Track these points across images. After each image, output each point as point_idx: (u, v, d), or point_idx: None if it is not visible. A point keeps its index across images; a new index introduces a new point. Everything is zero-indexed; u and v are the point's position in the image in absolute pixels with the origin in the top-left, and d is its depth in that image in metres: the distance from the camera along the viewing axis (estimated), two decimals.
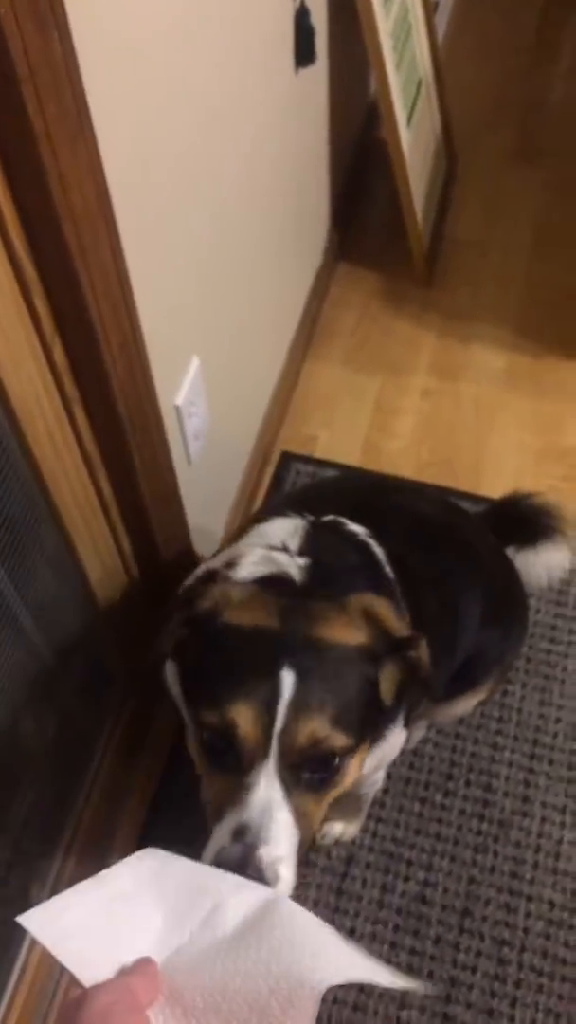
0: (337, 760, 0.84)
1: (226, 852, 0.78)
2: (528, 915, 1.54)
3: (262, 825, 0.78)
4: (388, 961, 1.47)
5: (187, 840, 0.81)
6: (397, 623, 0.91)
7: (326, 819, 0.86)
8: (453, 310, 2.35)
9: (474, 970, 1.50)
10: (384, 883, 1.57)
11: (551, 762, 1.69)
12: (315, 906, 1.55)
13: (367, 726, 0.87)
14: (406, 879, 1.58)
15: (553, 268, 2.44)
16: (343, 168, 2.31)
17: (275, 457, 2.06)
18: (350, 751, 0.85)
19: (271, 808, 0.79)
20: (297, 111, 1.77)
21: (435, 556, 1.33)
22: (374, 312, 2.35)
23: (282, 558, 1.00)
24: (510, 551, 1.65)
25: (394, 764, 1.66)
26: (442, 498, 1.70)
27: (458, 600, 1.39)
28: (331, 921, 1.51)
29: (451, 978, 1.49)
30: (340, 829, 1.58)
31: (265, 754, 0.80)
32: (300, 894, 1.54)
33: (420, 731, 1.69)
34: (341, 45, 1.95)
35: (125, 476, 1.20)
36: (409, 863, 1.59)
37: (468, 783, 1.67)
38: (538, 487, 1.82)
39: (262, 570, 0.98)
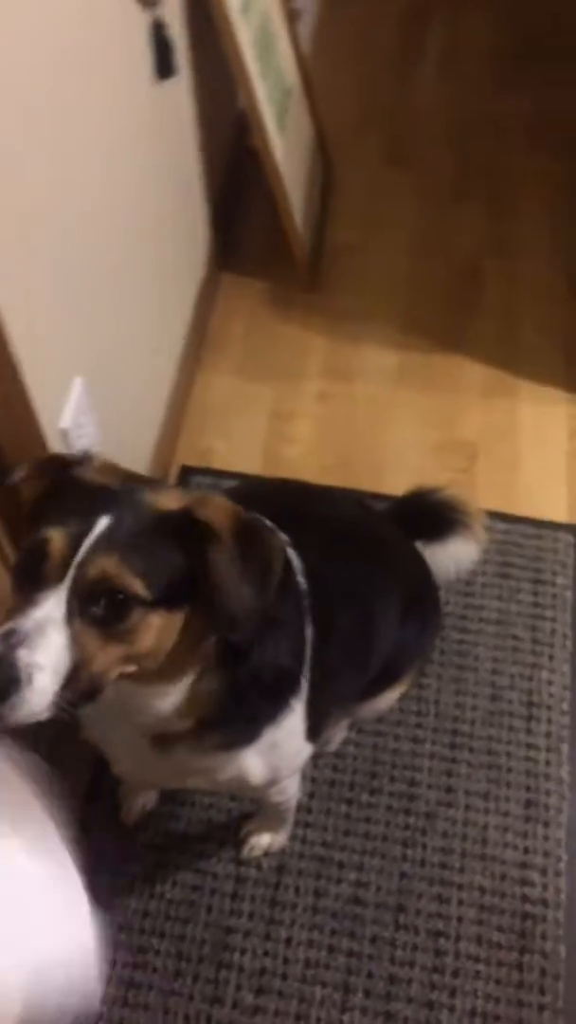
0: (133, 612, 0.85)
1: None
2: (460, 903, 1.56)
3: (31, 633, 0.82)
4: (327, 966, 1.48)
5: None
6: (224, 521, 0.90)
7: (111, 672, 0.88)
8: (340, 313, 2.37)
9: (412, 965, 1.51)
10: (317, 888, 1.57)
11: (471, 750, 1.71)
12: (250, 918, 1.53)
13: (176, 593, 0.88)
14: (338, 882, 1.57)
15: (432, 268, 2.49)
16: (219, 178, 2.31)
17: (174, 472, 2.04)
18: (144, 603, 0.86)
19: (46, 624, 0.82)
20: (162, 124, 1.76)
21: (352, 565, 1.33)
22: (262, 320, 2.35)
23: None
24: (417, 545, 1.67)
25: (317, 767, 1.66)
26: (358, 500, 1.71)
27: (373, 610, 1.39)
28: (266, 933, 1.51)
29: (390, 976, 1.49)
30: (268, 840, 1.57)
31: (60, 579, 0.84)
32: (233, 907, 1.53)
33: (341, 733, 1.69)
34: (204, 56, 1.95)
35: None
36: (340, 865, 1.59)
37: (392, 779, 1.68)
38: (439, 481, 1.85)
39: None
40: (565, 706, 1.77)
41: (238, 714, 1.07)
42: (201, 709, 1.02)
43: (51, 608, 0.83)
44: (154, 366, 1.93)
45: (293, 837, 1.60)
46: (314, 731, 1.22)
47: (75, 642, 0.83)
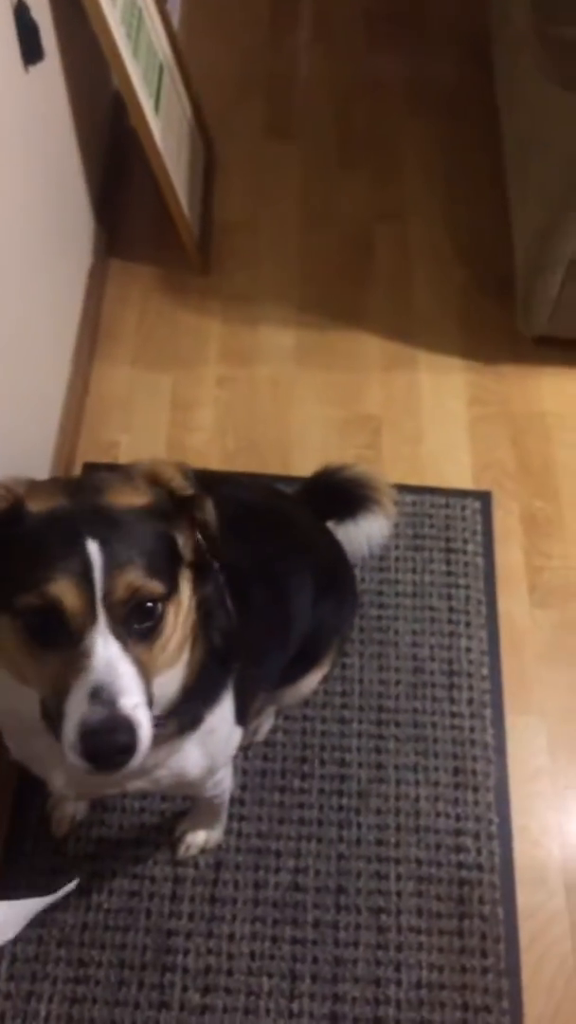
0: (158, 608, 0.87)
1: (89, 715, 0.80)
2: (399, 878, 1.58)
3: (113, 680, 0.81)
4: (272, 957, 1.48)
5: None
6: (181, 482, 0.94)
7: (156, 671, 0.90)
8: (234, 294, 2.33)
9: (356, 945, 1.52)
10: (256, 880, 1.56)
11: (397, 724, 1.73)
12: (191, 918, 1.52)
13: (175, 577, 0.91)
14: (277, 871, 1.57)
15: (323, 241, 2.47)
16: (98, 162, 2.23)
17: (77, 469, 1.98)
18: (165, 597, 0.88)
19: (115, 663, 0.82)
20: (35, 109, 1.68)
21: (260, 545, 1.32)
22: (155, 306, 2.29)
23: None
24: (330, 525, 1.67)
25: (247, 759, 1.65)
26: (262, 483, 1.69)
27: (288, 586, 1.39)
28: (208, 931, 1.50)
29: (335, 958, 1.50)
30: (203, 837, 1.56)
31: (94, 618, 0.82)
32: (173, 909, 1.51)
33: (268, 721, 1.68)
34: (72, 38, 1.87)
35: None
36: (278, 854, 1.59)
37: (323, 762, 1.68)
38: (345, 458, 1.85)
39: None
40: (485, 671, 1.80)
41: (199, 690, 1.04)
42: (188, 681, 1.01)
43: (105, 647, 0.82)
44: (47, 362, 1.86)
45: (228, 831, 1.59)
46: (242, 714, 1.20)
47: (137, 664, 0.84)
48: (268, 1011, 1.45)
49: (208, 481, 1.50)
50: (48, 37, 1.69)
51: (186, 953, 1.49)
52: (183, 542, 0.94)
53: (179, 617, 0.92)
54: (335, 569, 1.59)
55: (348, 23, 3.06)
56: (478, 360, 2.26)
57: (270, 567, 1.34)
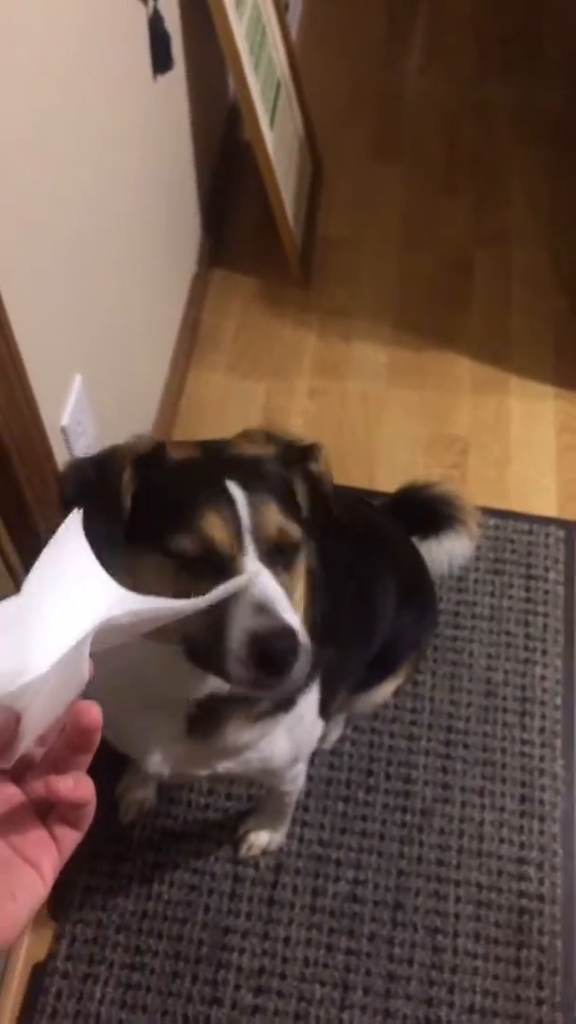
0: (299, 554, 0.90)
1: (256, 625, 0.80)
2: (458, 900, 1.57)
3: (273, 596, 0.82)
4: (325, 965, 1.48)
5: None
6: (294, 436, 0.99)
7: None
8: (331, 309, 2.37)
9: (411, 962, 1.51)
10: (315, 887, 1.57)
11: (466, 746, 1.72)
12: (248, 918, 1.53)
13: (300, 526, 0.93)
14: (336, 880, 1.58)
15: (422, 262, 2.48)
16: (209, 173, 2.29)
17: None
18: (300, 545, 0.90)
19: (271, 583, 0.83)
20: (158, 118, 1.75)
21: (348, 544, 1.34)
22: (254, 317, 2.34)
23: None
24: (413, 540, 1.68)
25: (313, 765, 1.66)
26: (352, 494, 1.70)
27: (373, 586, 1.41)
28: (264, 933, 1.51)
29: (388, 973, 1.50)
30: (266, 839, 1.57)
31: (244, 549, 0.85)
32: (231, 907, 1.52)
33: (337, 729, 1.69)
34: (197, 49, 1.93)
35: (16, 508, 1.15)
36: (338, 863, 1.59)
37: (388, 776, 1.68)
38: (430, 477, 1.85)
39: None
40: (558, 701, 1.78)
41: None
42: None
43: (262, 572, 0.84)
44: (148, 363, 1.91)
45: (290, 836, 1.60)
46: (325, 707, 1.22)
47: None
48: (318, 1018, 1.46)
49: None
50: (176, 48, 1.75)
51: (241, 952, 1.50)
52: (300, 495, 0.97)
53: (302, 572, 0.95)
54: (418, 581, 1.60)
55: (461, 47, 3.09)
56: (572, 389, 2.25)
57: (358, 566, 1.36)
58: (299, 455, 0.98)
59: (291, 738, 1.17)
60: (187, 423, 2.13)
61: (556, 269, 2.48)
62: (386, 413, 2.20)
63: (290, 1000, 1.47)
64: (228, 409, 2.16)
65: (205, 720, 1.04)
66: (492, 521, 1.99)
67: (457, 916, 1.55)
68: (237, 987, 1.48)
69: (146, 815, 1.61)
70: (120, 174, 1.52)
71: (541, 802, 1.66)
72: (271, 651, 0.80)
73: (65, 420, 1.31)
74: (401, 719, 1.74)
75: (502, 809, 1.66)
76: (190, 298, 2.18)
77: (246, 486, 0.87)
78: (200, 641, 0.87)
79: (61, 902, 1.54)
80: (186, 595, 0.86)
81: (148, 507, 0.89)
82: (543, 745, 1.72)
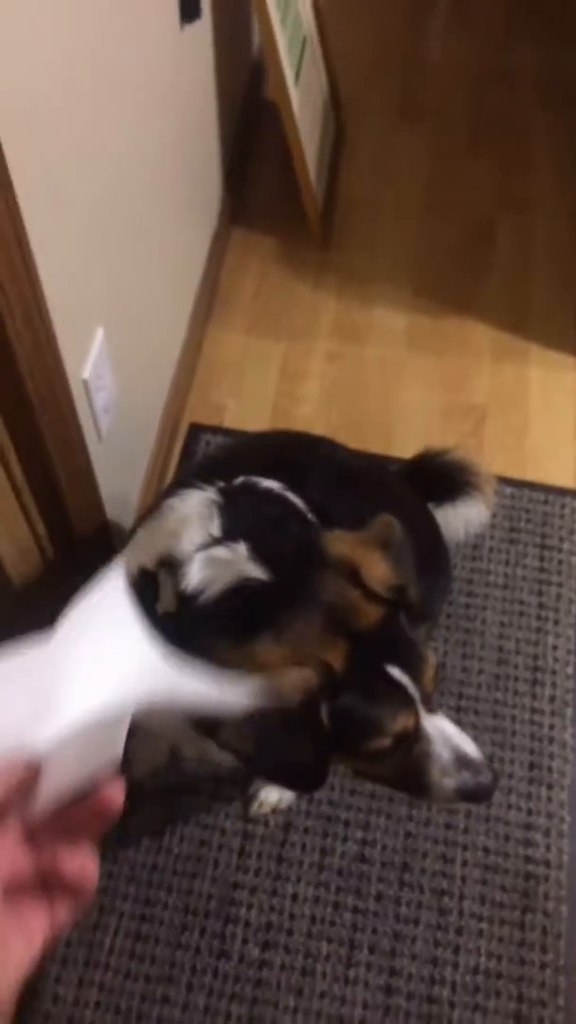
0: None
1: (464, 782, 1.02)
2: (465, 864, 1.58)
3: (466, 749, 1.02)
4: (332, 923, 1.50)
5: None
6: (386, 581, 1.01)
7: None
8: (351, 272, 2.34)
9: (416, 922, 1.52)
10: (323, 846, 1.58)
11: (476, 712, 1.72)
12: (257, 874, 1.54)
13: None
14: (344, 840, 1.59)
15: (444, 226, 2.45)
16: (232, 130, 2.26)
17: (183, 429, 2.02)
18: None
19: (455, 733, 1.02)
20: (184, 71, 1.71)
21: (359, 505, 1.33)
22: (273, 277, 2.32)
23: (224, 554, 0.96)
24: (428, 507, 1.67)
25: None
26: (365, 453, 1.68)
27: None
28: (272, 889, 1.53)
29: (394, 933, 1.51)
30: (277, 796, 1.58)
31: (420, 717, 0.99)
32: (240, 863, 1.54)
33: None
34: (223, 2, 1.89)
35: (37, 458, 1.14)
36: (347, 824, 1.60)
37: None
38: (447, 444, 1.84)
39: (219, 584, 0.95)
40: (570, 670, 1.78)
41: None
42: None
43: (442, 724, 1.03)
44: (167, 319, 1.89)
45: (300, 796, 1.61)
46: None
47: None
48: (324, 974, 1.47)
49: (309, 443, 1.54)
50: None
51: (249, 907, 1.52)
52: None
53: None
54: (432, 546, 1.60)
55: (487, 10, 3.03)
56: None
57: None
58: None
59: None
60: (205, 381, 2.11)
61: None
62: (404, 379, 2.18)
63: (296, 956, 1.49)
64: (246, 369, 2.15)
65: None
66: (508, 490, 1.98)
67: (463, 879, 1.57)
68: (244, 941, 1.49)
69: (158, 772, 1.62)
70: (145, 128, 1.49)
71: (550, 770, 1.67)
72: (480, 799, 1.03)
73: (87, 373, 1.30)
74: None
75: (511, 776, 1.66)
76: (210, 256, 2.16)
77: (404, 662, 0.95)
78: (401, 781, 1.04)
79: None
80: (378, 768, 1.03)
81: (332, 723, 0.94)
82: (553, 714, 1.73)
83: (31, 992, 1.43)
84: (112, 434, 1.49)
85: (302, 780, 1.02)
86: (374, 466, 1.60)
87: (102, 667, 0.55)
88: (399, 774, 1.01)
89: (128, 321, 1.56)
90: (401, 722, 0.95)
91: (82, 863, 0.51)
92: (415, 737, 0.98)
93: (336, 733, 0.93)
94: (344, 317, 2.26)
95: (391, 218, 2.46)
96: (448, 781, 1.00)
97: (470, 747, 1.02)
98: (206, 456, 1.97)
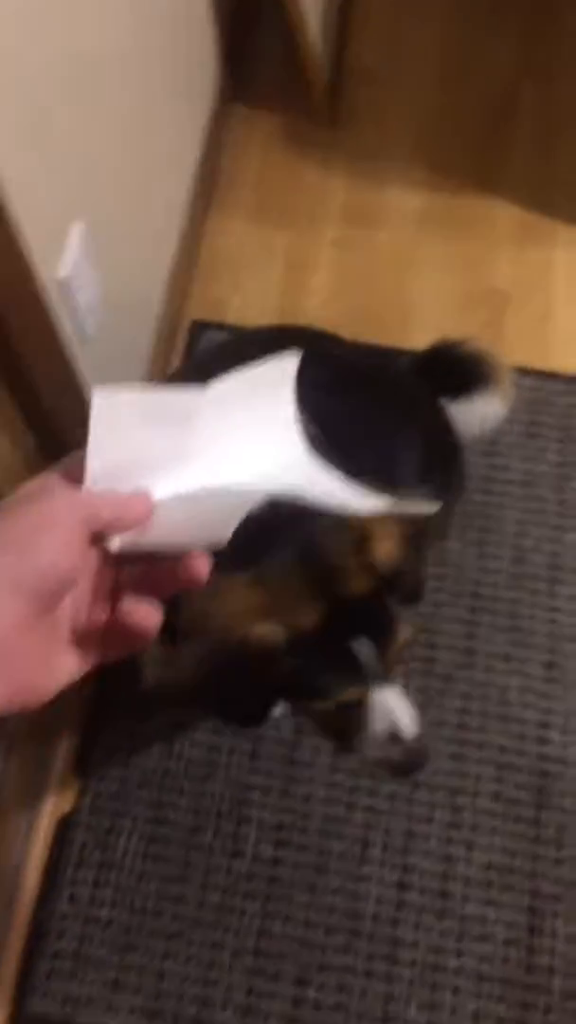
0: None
1: (387, 753, 1.01)
2: (479, 762, 1.56)
3: (398, 719, 0.99)
4: (345, 821, 1.50)
5: None
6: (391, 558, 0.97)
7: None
8: (361, 150, 2.19)
9: (430, 821, 1.52)
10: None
11: (492, 613, 1.68)
12: (269, 775, 1.55)
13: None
14: None
15: (462, 97, 2.27)
16: None
17: (185, 325, 1.93)
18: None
19: (393, 701, 0.99)
20: None
21: (361, 402, 1.27)
22: (277, 158, 2.18)
23: None
24: (442, 401, 1.59)
25: None
26: (373, 348, 1.60)
27: (392, 446, 1.33)
28: (284, 790, 1.53)
29: (407, 831, 1.51)
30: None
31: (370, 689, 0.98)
32: (252, 765, 1.54)
33: None
34: None
35: (12, 367, 1.08)
36: None
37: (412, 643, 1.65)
38: (464, 334, 1.74)
39: None
40: None
41: None
42: None
43: (389, 696, 0.99)
44: (162, 208, 1.79)
45: None
46: None
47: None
48: (338, 871, 1.48)
49: (307, 338, 1.46)
50: None
51: (262, 807, 1.53)
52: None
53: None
54: (442, 445, 1.53)
55: None
56: None
57: (371, 431, 1.28)
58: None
59: None
60: (205, 275, 2.02)
61: None
62: (419, 265, 2.06)
63: (310, 853, 1.50)
64: (249, 260, 2.04)
65: None
66: (528, 381, 1.88)
67: (478, 778, 1.55)
68: (257, 840, 1.51)
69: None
70: None
71: (567, 669, 1.63)
72: (400, 775, 1.04)
73: (65, 271, 1.23)
74: (426, 585, 1.70)
75: (527, 675, 1.63)
76: (209, 137, 2.02)
77: (375, 637, 0.94)
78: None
79: (85, 759, 1.56)
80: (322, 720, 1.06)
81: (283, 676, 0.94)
82: (572, 613, 1.68)
83: (47, 893, 1.46)
84: (100, 335, 1.42)
85: (240, 719, 1.07)
86: (378, 363, 1.51)
87: (247, 437, 0.56)
88: (332, 728, 1.05)
89: (115, 212, 1.46)
90: (348, 695, 0.97)
91: (146, 613, 0.52)
92: (358, 704, 0.99)
93: (284, 684, 0.96)
94: (354, 199, 2.13)
95: (405, 89, 2.28)
96: (375, 751, 1.01)
97: (408, 725, 1.00)
98: (201, 353, 1.89)
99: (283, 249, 2.05)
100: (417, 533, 1.04)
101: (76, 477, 0.50)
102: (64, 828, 1.51)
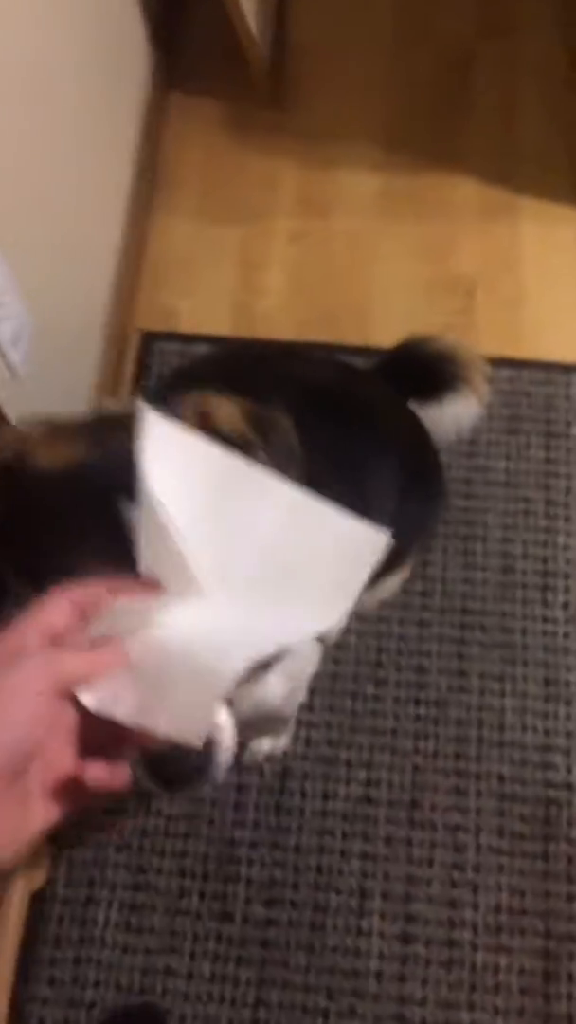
0: None
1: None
2: (479, 795, 1.46)
3: None
4: (340, 872, 1.39)
5: None
6: (237, 428, 0.79)
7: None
8: (310, 131, 2.04)
9: (431, 863, 1.42)
10: (325, 791, 1.46)
11: (483, 629, 1.57)
12: (256, 828, 1.44)
13: None
14: (347, 782, 1.47)
15: (416, 65, 2.12)
16: None
17: (134, 339, 1.79)
18: None
19: None
20: None
21: (333, 428, 1.15)
22: (221, 147, 2.02)
23: None
24: (412, 405, 1.47)
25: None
26: (334, 360, 1.49)
27: (365, 477, 1.22)
28: (273, 842, 1.42)
29: (408, 876, 1.41)
30: (269, 744, 1.45)
31: None
32: (236, 818, 1.43)
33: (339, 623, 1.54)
34: None
35: None
36: (348, 764, 1.48)
37: (399, 667, 1.54)
38: (433, 326, 1.61)
39: None
40: None
41: None
42: None
43: None
44: (99, 215, 1.64)
45: (296, 739, 1.48)
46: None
47: None
48: (335, 927, 1.38)
49: (270, 354, 1.33)
50: None
51: (250, 864, 1.42)
52: None
53: None
54: (421, 460, 1.41)
55: None
56: None
57: (345, 456, 1.16)
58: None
59: (284, 674, 1.02)
60: (152, 281, 1.87)
61: (571, 65, 2.11)
62: (380, 253, 1.92)
63: (304, 910, 1.39)
64: (198, 262, 1.90)
65: None
66: (505, 373, 1.75)
67: (479, 811, 1.45)
68: (248, 900, 1.40)
69: None
70: None
71: (566, 684, 1.53)
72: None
73: None
74: (410, 604, 1.58)
75: (524, 694, 1.52)
76: (144, 129, 1.87)
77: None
78: None
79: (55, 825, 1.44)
80: None
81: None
82: (567, 622, 1.57)
83: (24, 977, 1.35)
84: (34, 366, 1.28)
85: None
86: (349, 377, 1.39)
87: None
88: None
89: (36, 228, 1.32)
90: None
91: (114, 773, 0.54)
92: None
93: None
94: (306, 187, 1.98)
95: (354, 62, 2.13)
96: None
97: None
98: (162, 378, 1.75)
99: (233, 247, 1.91)
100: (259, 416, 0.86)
101: (50, 621, 0.53)
102: (38, 903, 1.39)
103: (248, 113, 2.05)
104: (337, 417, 1.21)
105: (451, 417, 1.50)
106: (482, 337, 1.82)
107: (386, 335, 1.66)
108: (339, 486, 1.11)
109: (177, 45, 2.07)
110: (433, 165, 2.00)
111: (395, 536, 1.33)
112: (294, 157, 2.01)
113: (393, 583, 1.47)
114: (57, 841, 1.42)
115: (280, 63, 2.08)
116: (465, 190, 1.98)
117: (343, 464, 1.16)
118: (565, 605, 1.58)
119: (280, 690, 1.03)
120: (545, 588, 1.60)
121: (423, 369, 1.49)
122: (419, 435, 1.43)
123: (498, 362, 1.73)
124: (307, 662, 1.09)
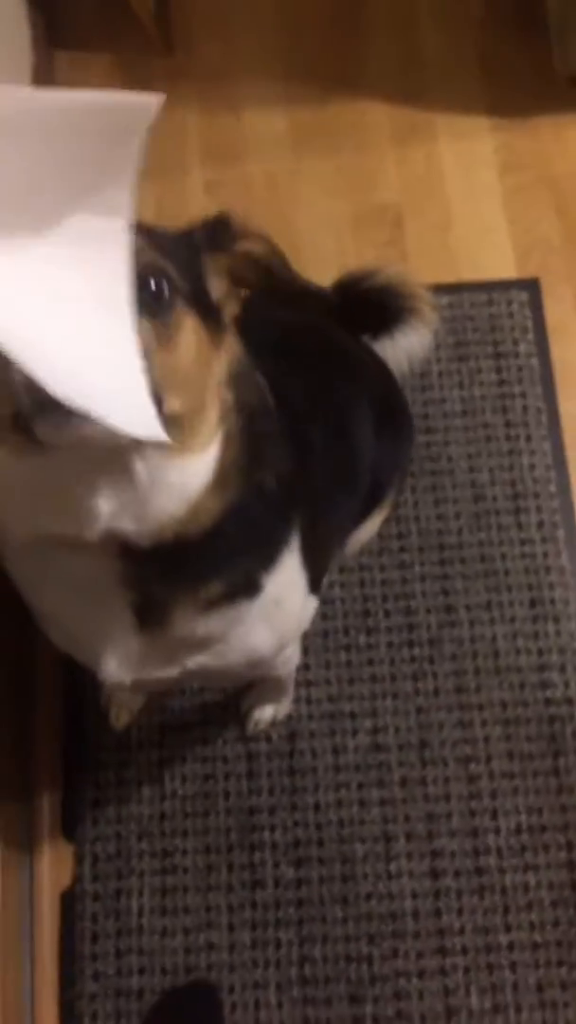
0: (166, 293, 0.73)
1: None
2: (484, 724, 1.48)
3: None
4: (362, 821, 1.41)
5: None
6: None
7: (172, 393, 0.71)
8: (207, 73, 1.95)
9: (447, 798, 1.44)
10: (334, 746, 1.47)
11: (463, 561, 1.57)
12: (271, 793, 1.44)
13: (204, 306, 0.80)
14: (354, 733, 1.48)
15: None
16: None
17: None
18: (182, 296, 0.76)
19: None
20: None
21: (312, 374, 1.12)
22: None
23: None
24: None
25: None
26: (311, 291, 1.43)
27: (348, 416, 1.21)
28: (291, 804, 1.43)
29: (428, 814, 1.43)
30: (271, 711, 1.45)
31: None
32: (251, 786, 1.44)
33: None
34: None
35: None
36: (353, 716, 1.49)
37: (387, 613, 1.54)
38: (364, 260, 1.58)
39: None
40: (552, 488, 1.62)
41: (240, 544, 0.85)
42: (219, 499, 0.79)
43: None
44: None
45: (297, 700, 1.48)
46: (316, 581, 1.04)
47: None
48: (366, 875, 1.40)
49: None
50: None
51: (272, 829, 1.43)
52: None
53: (199, 348, 0.75)
54: (389, 395, 1.40)
55: None
56: (506, 116, 1.91)
57: (326, 399, 1.15)
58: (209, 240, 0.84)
59: (272, 627, 0.99)
60: None
61: None
62: (300, 193, 1.87)
63: (333, 865, 1.41)
64: None
65: (153, 609, 0.84)
66: (445, 299, 1.73)
67: (487, 740, 1.47)
68: (276, 864, 1.41)
69: (140, 715, 1.48)
70: None
71: (552, 602, 1.55)
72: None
73: None
74: (389, 548, 1.58)
75: (513, 619, 1.54)
76: None
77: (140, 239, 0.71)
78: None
79: (73, 822, 1.43)
80: None
81: None
82: (544, 540, 1.58)
83: (69, 977, 1.35)
84: None
85: None
86: (315, 314, 1.35)
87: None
88: None
89: None
90: None
91: None
92: None
93: None
94: (213, 133, 1.90)
95: None
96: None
97: None
98: None
99: (151, 208, 1.83)
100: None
101: None
102: (69, 903, 1.39)
103: (141, 63, 1.95)
104: (313, 359, 1.19)
105: (403, 350, 1.49)
106: (415, 266, 1.78)
107: (320, 275, 1.61)
108: (326, 427, 1.10)
109: (55, 2, 1.95)
110: (339, 93, 1.94)
111: (373, 473, 1.33)
112: (195, 103, 1.92)
113: (375, 524, 1.46)
114: (74, 836, 1.41)
115: (165, 5, 1.98)
116: (375, 115, 1.93)
117: (326, 405, 1.14)
118: (540, 524, 1.59)
119: (266, 638, 0.99)
120: (518, 511, 1.61)
121: (367, 305, 1.46)
122: (382, 371, 1.42)
123: (437, 289, 1.69)
124: (298, 615, 1.06)
